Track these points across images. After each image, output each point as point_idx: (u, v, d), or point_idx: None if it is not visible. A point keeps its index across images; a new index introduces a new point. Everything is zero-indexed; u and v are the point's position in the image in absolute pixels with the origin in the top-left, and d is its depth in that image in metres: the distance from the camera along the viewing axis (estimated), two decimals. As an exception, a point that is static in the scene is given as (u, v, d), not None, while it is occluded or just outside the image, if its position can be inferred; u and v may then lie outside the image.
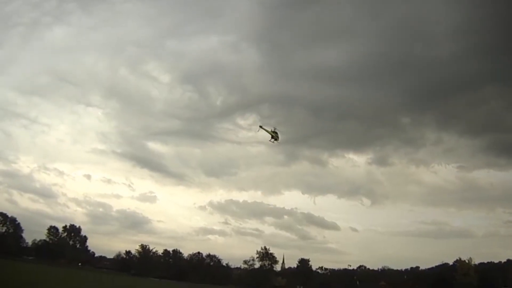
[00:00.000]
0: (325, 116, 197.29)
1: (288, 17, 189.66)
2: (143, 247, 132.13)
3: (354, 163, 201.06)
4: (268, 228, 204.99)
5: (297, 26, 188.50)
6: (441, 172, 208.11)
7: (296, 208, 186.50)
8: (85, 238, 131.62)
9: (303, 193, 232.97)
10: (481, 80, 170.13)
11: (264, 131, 51.18)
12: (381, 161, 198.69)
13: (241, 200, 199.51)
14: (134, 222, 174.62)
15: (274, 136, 51.02)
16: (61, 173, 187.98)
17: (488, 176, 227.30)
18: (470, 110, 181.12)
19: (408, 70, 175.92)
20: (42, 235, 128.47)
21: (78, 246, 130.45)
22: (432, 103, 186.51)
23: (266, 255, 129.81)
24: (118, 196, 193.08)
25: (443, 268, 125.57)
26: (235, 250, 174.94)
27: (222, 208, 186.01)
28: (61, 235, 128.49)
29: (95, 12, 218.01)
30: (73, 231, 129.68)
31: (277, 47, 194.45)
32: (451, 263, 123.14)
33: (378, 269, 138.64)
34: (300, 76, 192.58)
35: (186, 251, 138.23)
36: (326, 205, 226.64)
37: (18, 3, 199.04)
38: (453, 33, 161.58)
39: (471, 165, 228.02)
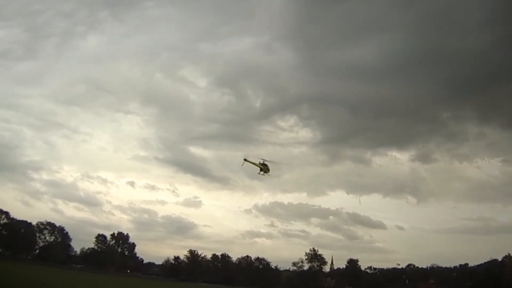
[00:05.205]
0: (364, 114, 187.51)
1: (319, 14, 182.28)
2: (192, 252, 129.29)
3: (397, 160, 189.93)
4: (314, 229, 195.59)
5: (328, 22, 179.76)
6: (485, 167, 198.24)
7: (341, 208, 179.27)
8: (133, 245, 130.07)
9: (347, 193, 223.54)
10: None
11: (250, 164, 47.42)
12: (424, 158, 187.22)
13: (286, 202, 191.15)
14: (180, 228, 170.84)
15: (263, 168, 47.22)
16: (104, 181, 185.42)
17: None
18: (511, 101, 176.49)
19: (444, 62, 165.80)
20: (89, 243, 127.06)
21: (126, 253, 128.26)
22: (471, 95, 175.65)
23: (314, 257, 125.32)
24: (162, 202, 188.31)
25: (492, 264, 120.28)
26: (283, 252, 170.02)
27: (267, 210, 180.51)
28: (109, 243, 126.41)
29: (127, 19, 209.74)
30: (121, 238, 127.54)
31: (310, 45, 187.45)
32: (500, 259, 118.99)
33: (427, 267, 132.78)
34: (336, 75, 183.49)
35: (234, 255, 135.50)
36: (371, 204, 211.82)
37: (50, 13, 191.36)
38: (487, 21, 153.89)
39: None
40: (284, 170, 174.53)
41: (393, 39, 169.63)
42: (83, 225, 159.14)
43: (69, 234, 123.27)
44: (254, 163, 47.97)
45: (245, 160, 48.14)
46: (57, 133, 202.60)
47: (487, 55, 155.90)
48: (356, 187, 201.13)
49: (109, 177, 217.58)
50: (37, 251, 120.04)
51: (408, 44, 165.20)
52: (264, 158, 48.87)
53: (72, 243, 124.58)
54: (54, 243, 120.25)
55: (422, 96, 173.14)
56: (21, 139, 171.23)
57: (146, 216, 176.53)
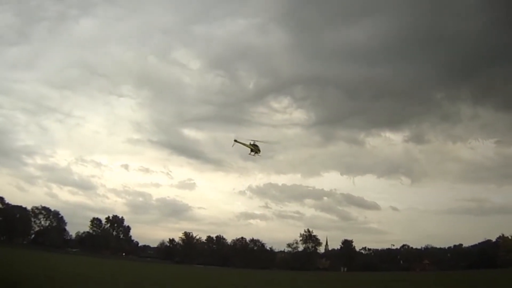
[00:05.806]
0: (359, 96, 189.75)
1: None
2: (187, 234, 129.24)
3: (391, 141, 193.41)
4: (308, 210, 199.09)
5: (323, 4, 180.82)
6: (479, 148, 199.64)
7: (335, 189, 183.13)
8: (128, 229, 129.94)
9: (341, 174, 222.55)
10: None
11: (241, 145, 46.38)
12: (418, 139, 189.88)
13: (280, 184, 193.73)
14: (174, 210, 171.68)
15: (254, 149, 46.54)
16: (98, 165, 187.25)
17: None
18: (506, 83, 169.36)
19: (439, 44, 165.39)
20: (84, 227, 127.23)
21: (121, 236, 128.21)
22: (467, 77, 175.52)
23: (309, 238, 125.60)
24: (157, 185, 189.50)
25: (486, 245, 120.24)
26: (277, 233, 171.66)
27: (261, 192, 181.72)
28: (104, 226, 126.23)
29: (120, 2, 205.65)
30: (116, 221, 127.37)
31: (305, 27, 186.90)
32: (494, 240, 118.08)
33: (422, 247, 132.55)
34: (330, 56, 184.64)
35: (229, 237, 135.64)
36: (365, 185, 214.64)
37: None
38: (483, 4, 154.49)
39: (509, 140, 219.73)
40: (278, 151, 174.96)
41: (388, 21, 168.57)
42: (78, 209, 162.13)
43: (64, 218, 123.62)
44: (244, 144, 47.35)
45: (235, 141, 47.71)
46: (50, 117, 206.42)
47: (482, 38, 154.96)
48: (350, 168, 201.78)
49: (103, 160, 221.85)
50: (33, 235, 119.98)
51: (403, 26, 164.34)
52: (255, 139, 48.55)
53: (67, 227, 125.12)
54: (49, 227, 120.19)
55: (417, 78, 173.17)
56: (14, 124, 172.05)
57: (140, 199, 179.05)
